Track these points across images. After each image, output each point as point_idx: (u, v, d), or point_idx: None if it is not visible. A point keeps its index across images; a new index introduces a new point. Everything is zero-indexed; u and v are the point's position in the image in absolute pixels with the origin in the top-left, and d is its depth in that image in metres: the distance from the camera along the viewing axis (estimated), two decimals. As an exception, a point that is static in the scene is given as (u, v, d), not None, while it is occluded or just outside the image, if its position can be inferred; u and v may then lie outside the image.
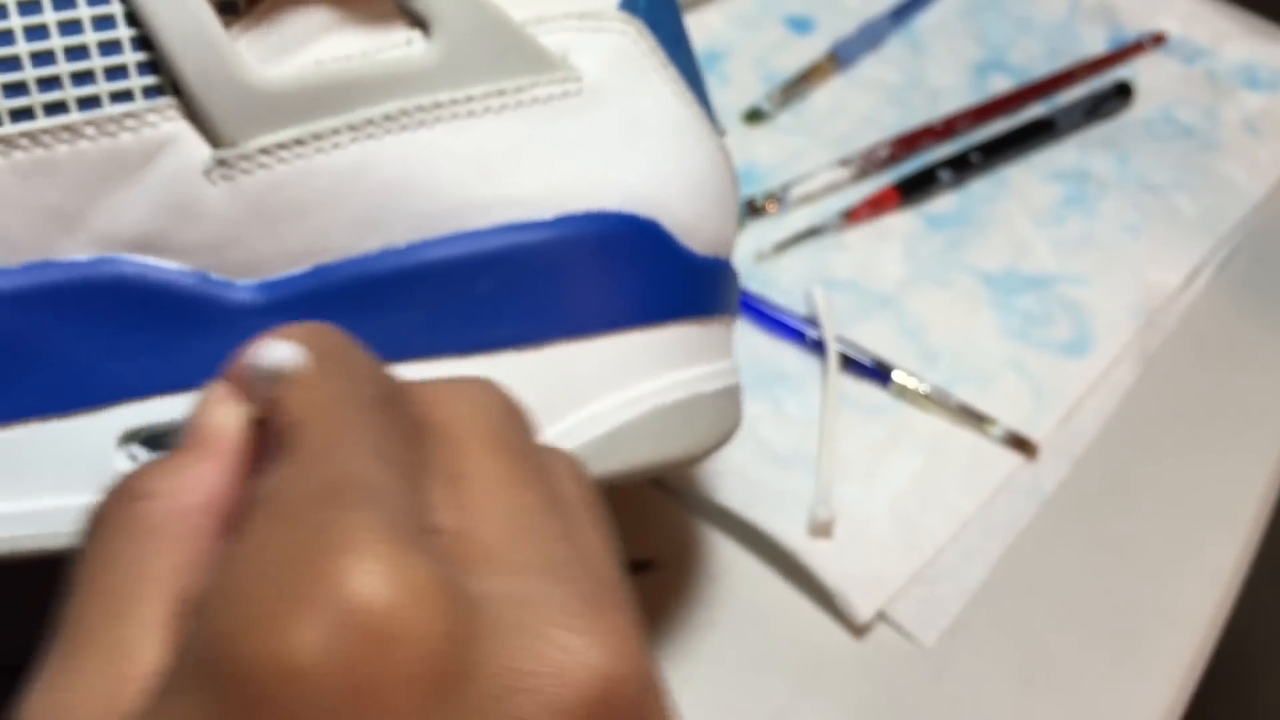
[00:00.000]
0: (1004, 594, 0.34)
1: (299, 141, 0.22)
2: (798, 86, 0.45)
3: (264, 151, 0.22)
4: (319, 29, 0.23)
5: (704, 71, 0.45)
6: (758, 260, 0.40)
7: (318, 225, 0.23)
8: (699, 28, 0.47)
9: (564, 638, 0.17)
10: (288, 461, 0.17)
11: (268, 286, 0.23)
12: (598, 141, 0.24)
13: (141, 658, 0.17)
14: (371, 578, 0.15)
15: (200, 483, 0.19)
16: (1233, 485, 0.37)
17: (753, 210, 0.41)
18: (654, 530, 0.34)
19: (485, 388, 0.20)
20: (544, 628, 0.17)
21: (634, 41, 0.25)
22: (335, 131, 0.23)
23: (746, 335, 0.38)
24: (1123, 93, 0.46)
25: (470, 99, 0.23)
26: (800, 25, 0.48)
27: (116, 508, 0.19)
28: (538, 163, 0.24)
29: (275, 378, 0.18)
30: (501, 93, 0.23)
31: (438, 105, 0.23)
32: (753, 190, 0.42)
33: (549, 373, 0.24)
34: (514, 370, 0.24)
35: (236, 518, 0.19)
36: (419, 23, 0.23)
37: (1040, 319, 0.40)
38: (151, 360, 0.23)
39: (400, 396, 0.19)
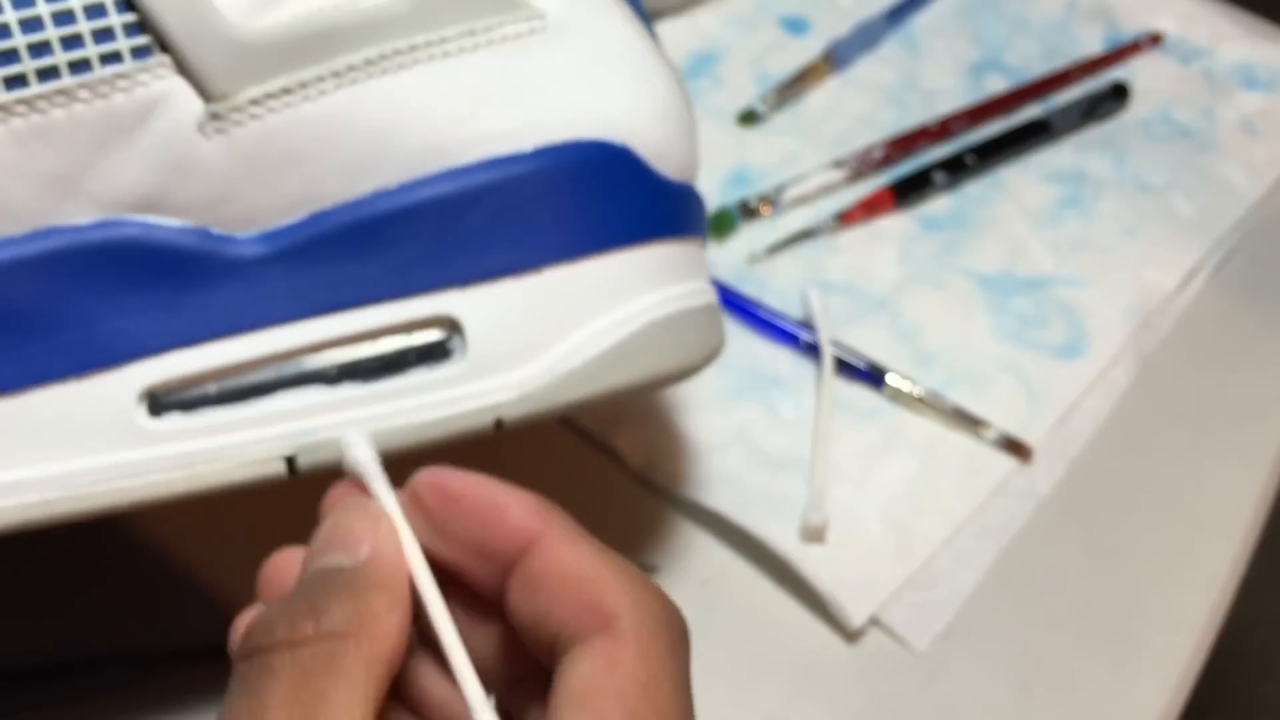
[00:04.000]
0: (998, 598, 0.34)
1: (286, 90, 0.23)
2: (792, 88, 0.45)
3: (254, 102, 0.23)
4: None
5: (698, 73, 0.46)
6: (751, 262, 0.40)
7: (311, 172, 0.24)
8: (693, 29, 0.47)
9: None
10: None
11: (268, 237, 0.24)
12: (567, 74, 0.25)
13: None
14: None
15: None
16: (1229, 487, 0.37)
17: (747, 212, 0.41)
18: (647, 535, 0.34)
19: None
20: None
21: None
22: (320, 79, 0.24)
23: (740, 338, 0.38)
24: (1119, 93, 0.46)
25: (444, 40, 0.24)
26: (795, 26, 0.48)
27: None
28: (513, 97, 0.25)
29: None
30: (473, 33, 0.25)
31: (414, 48, 0.24)
32: (747, 192, 0.42)
33: (546, 296, 0.25)
34: (513, 297, 0.25)
35: None
36: None
37: (1035, 321, 0.40)
38: (163, 317, 0.24)
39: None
